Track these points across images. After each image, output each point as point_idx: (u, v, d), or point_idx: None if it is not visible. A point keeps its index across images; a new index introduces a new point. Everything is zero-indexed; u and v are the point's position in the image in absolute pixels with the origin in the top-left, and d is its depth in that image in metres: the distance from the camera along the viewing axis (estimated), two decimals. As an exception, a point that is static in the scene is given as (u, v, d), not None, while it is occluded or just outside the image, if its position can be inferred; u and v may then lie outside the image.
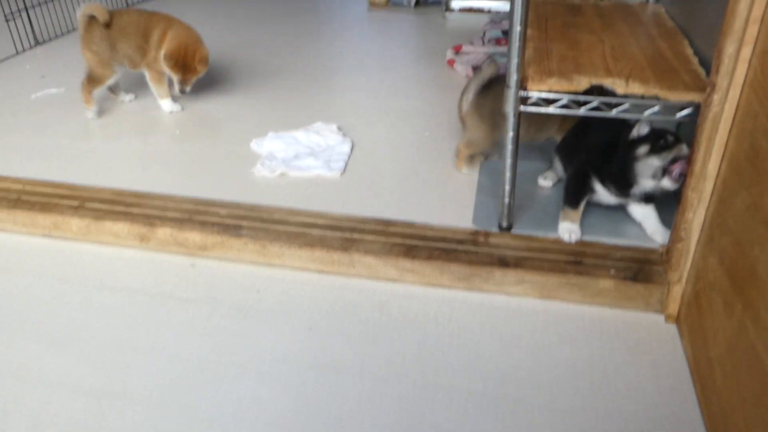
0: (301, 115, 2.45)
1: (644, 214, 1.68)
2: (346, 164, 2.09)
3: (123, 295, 1.61)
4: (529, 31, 1.85)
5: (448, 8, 3.80)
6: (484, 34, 3.21)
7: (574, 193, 1.68)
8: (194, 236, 1.73)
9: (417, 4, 3.99)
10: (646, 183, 1.59)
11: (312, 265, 1.68)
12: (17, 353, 1.44)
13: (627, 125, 1.61)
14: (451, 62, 2.94)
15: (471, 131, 1.99)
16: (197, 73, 2.44)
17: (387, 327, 1.50)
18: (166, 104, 2.53)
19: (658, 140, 1.55)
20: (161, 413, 1.29)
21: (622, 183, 1.62)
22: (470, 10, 3.78)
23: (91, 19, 2.38)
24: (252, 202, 1.88)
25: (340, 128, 2.32)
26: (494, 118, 1.87)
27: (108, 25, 2.39)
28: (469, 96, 1.93)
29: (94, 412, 1.29)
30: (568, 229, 1.66)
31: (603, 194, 1.68)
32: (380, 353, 1.42)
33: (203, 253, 1.74)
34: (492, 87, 1.89)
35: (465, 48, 3.01)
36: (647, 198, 1.66)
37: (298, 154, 2.13)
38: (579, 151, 1.77)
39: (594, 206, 1.74)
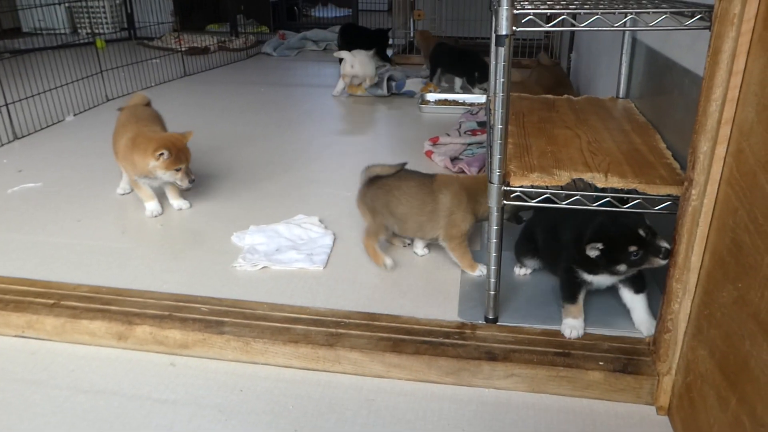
0: (282, 208, 2.47)
1: (633, 302, 1.69)
2: (329, 257, 2.09)
3: (98, 399, 1.54)
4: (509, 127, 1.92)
5: (423, 101, 3.92)
6: (460, 125, 3.31)
7: (569, 290, 1.68)
8: (174, 334, 1.68)
9: (390, 92, 4.13)
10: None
11: (297, 362, 1.64)
12: (-16, 465, 1.36)
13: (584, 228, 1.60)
14: (428, 153, 3.01)
15: (366, 222, 2.08)
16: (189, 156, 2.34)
17: (375, 426, 1.45)
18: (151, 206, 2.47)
19: (627, 255, 1.53)
20: None
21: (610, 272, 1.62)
22: (445, 102, 3.91)
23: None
24: (234, 297, 1.85)
25: (321, 221, 2.33)
26: (376, 206, 2.02)
27: None
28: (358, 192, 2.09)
29: None
30: (570, 326, 1.64)
31: (599, 281, 1.66)
32: (370, 456, 1.37)
33: (184, 352, 1.69)
34: (375, 180, 2.02)
35: (442, 139, 3.09)
36: (638, 286, 1.68)
37: (280, 248, 2.12)
38: (554, 251, 1.77)
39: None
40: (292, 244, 2.15)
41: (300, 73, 5.11)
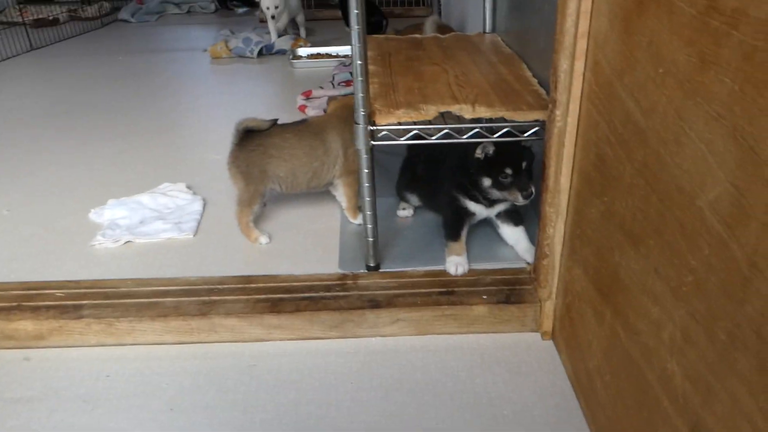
0: (147, 178, 2.28)
1: (515, 235, 1.71)
2: (199, 223, 1.95)
3: (-61, 407, 1.35)
4: (373, 68, 1.84)
5: (295, 56, 3.77)
6: (333, 77, 3.21)
7: (453, 226, 1.66)
8: (26, 325, 1.50)
9: (260, 54, 3.94)
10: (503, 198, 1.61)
11: (168, 337, 1.51)
12: None
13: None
14: (302, 108, 2.89)
15: (237, 189, 1.88)
16: None
17: (258, 392, 1.36)
18: None
19: (499, 172, 1.55)
20: None
21: (488, 198, 1.64)
22: (318, 55, 3.78)
23: None
24: (94, 277, 1.68)
25: (189, 187, 2.17)
26: (251, 171, 1.83)
27: None
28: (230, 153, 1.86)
29: None
30: (455, 263, 1.61)
31: (479, 210, 1.68)
32: (254, 422, 1.28)
33: (39, 344, 1.51)
34: (247, 139, 1.83)
35: (315, 92, 2.98)
36: (516, 219, 1.70)
37: (144, 219, 1.95)
38: (434, 182, 1.75)
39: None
40: (158, 214, 1.98)
41: (162, 39, 4.78)
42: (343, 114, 1.88)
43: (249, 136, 1.83)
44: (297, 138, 1.84)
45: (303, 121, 1.92)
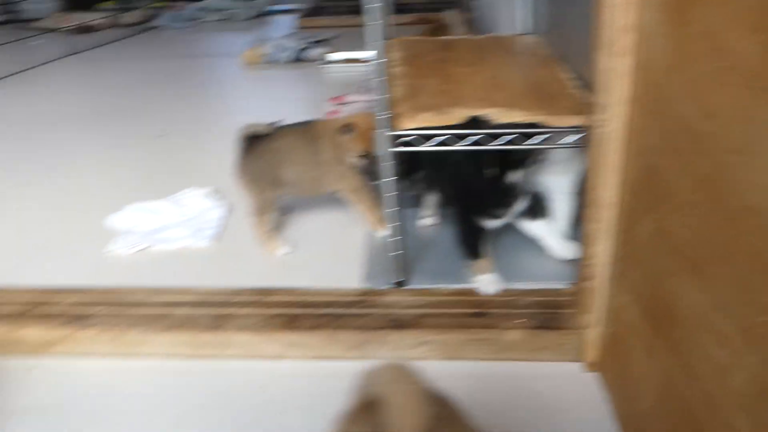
0: (171, 183, 2.20)
1: (538, 231, 1.62)
2: (221, 231, 1.86)
3: (-63, 420, 1.28)
4: (401, 69, 1.73)
5: (327, 61, 3.70)
6: (366, 82, 3.11)
7: (470, 244, 1.52)
8: (33, 333, 1.44)
9: (297, 60, 3.87)
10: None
11: (179, 350, 1.42)
12: None
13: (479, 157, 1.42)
14: (333, 113, 2.80)
15: (250, 199, 1.78)
16: None
17: (271, 413, 1.26)
18: None
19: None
20: None
21: (507, 205, 1.48)
22: (350, 60, 3.69)
23: None
24: (107, 284, 1.61)
25: (215, 192, 2.09)
26: (263, 178, 1.73)
27: None
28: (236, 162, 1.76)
29: None
30: (486, 281, 1.49)
31: (495, 223, 1.51)
32: (261, 452, 1.18)
33: (46, 351, 1.44)
34: (254, 145, 1.73)
35: (347, 98, 2.89)
36: (534, 213, 1.58)
37: (164, 226, 1.87)
38: (448, 189, 1.61)
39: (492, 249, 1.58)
40: (179, 221, 1.91)
41: (198, 44, 4.77)
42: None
43: (255, 143, 1.74)
44: (299, 141, 1.73)
45: (307, 123, 1.82)
